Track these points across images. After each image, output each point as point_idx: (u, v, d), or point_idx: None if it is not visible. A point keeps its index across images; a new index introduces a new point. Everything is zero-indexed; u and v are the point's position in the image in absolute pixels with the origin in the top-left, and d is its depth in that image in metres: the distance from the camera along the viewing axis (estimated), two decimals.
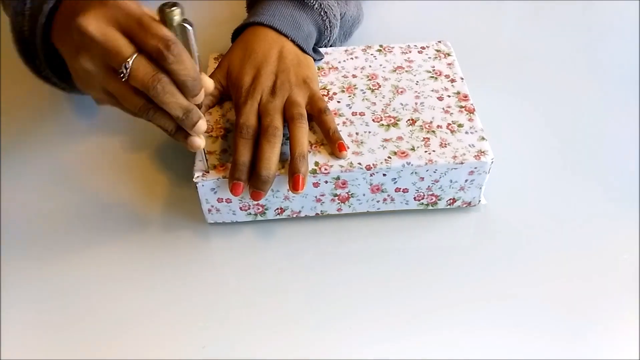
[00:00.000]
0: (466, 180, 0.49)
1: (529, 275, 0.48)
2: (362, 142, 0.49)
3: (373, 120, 0.51)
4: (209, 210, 0.49)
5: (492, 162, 0.48)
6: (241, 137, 0.47)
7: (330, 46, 0.60)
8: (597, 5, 0.76)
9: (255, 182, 0.46)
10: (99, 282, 0.48)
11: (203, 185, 0.47)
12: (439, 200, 0.51)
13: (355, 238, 0.51)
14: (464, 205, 0.52)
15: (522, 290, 0.47)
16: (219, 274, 0.49)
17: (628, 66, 0.67)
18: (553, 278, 0.48)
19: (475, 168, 0.48)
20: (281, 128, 0.48)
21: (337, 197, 0.49)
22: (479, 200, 0.51)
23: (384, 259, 0.49)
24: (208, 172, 0.47)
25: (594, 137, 0.59)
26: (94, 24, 0.39)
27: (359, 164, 0.47)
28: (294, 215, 0.51)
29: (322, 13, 0.56)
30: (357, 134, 0.50)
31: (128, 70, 0.40)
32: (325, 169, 0.47)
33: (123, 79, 0.40)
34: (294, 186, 0.46)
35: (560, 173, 0.55)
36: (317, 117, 0.50)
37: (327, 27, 0.57)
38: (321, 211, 0.51)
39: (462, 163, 0.47)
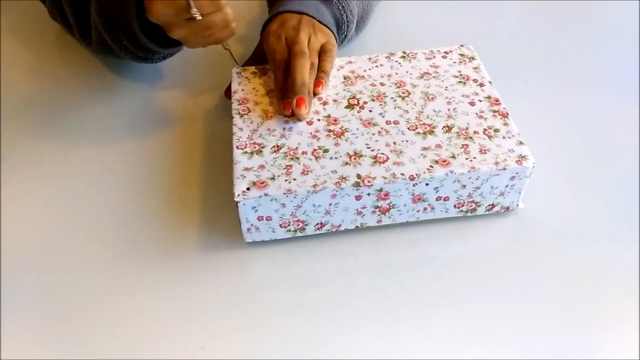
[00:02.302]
0: (507, 186, 0.49)
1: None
2: (401, 152, 0.48)
3: (408, 128, 0.50)
4: (248, 230, 0.48)
5: (533, 167, 0.48)
6: (297, 58, 0.53)
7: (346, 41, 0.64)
8: (604, 6, 0.77)
9: (293, 90, 0.51)
10: (104, 285, 0.47)
11: (244, 204, 0.46)
12: (479, 206, 0.50)
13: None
14: (502, 210, 0.51)
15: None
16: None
17: (622, 68, 0.67)
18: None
19: (517, 173, 0.48)
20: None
21: (378, 209, 0.48)
22: (517, 205, 0.51)
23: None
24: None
25: (586, 141, 0.59)
26: None
27: (402, 174, 0.47)
28: (334, 230, 0.50)
29: (340, 7, 0.61)
30: (394, 143, 0.49)
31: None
32: (369, 181, 0.46)
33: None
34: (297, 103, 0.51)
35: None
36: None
37: (344, 21, 0.61)
38: (361, 224, 0.50)
39: (504, 169, 0.47)
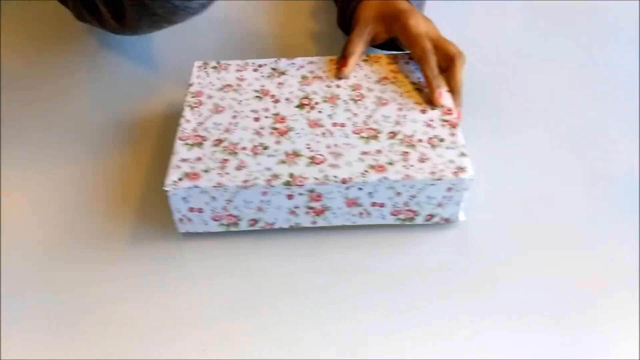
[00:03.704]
0: (444, 197, 0.48)
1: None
2: (339, 155, 0.48)
3: (353, 132, 0.50)
4: (181, 220, 0.49)
5: (471, 180, 0.47)
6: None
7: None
8: (595, 6, 0.76)
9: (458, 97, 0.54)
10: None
11: (174, 194, 0.46)
12: (417, 215, 0.49)
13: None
14: (442, 222, 0.50)
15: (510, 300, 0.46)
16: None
17: (622, 68, 0.66)
18: (540, 289, 0.47)
19: (454, 185, 0.47)
20: None
21: (311, 210, 0.48)
22: (458, 217, 0.50)
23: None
24: None
25: (586, 141, 0.58)
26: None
27: (335, 176, 0.46)
28: (267, 227, 0.50)
29: None
30: (335, 145, 0.49)
31: None
32: (300, 181, 0.46)
33: None
34: None
35: (552, 181, 0.55)
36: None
37: None
38: (295, 223, 0.50)
39: (440, 179, 0.46)
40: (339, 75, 0.55)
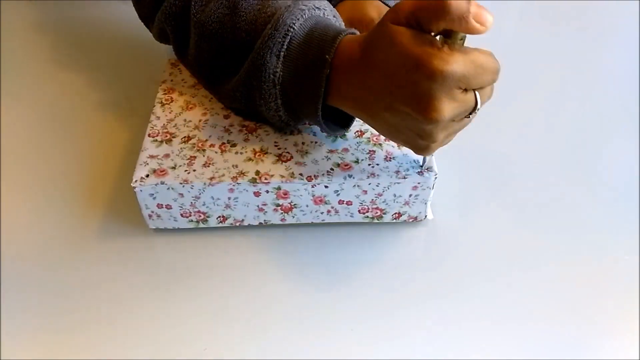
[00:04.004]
0: (410, 195, 0.48)
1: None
2: (306, 153, 0.48)
3: (322, 130, 0.50)
4: (150, 216, 0.49)
5: (435, 178, 0.47)
6: None
7: None
8: (595, 6, 0.77)
9: None
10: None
11: (141, 191, 0.47)
12: (384, 214, 0.50)
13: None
14: (411, 220, 0.51)
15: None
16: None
17: (622, 68, 0.67)
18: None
19: (419, 183, 0.47)
20: None
21: (279, 207, 0.49)
22: (425, 215, 0.50)
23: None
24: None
25: (586, 141, 0.59)
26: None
27: (300, 174, 0.47)
28: (237, 224, 0.50)
29: None
30: (303, 143, 0.49)
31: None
32: (266, 179, 0.46)
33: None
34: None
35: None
36: None
37: None
38: (264, 220, 0.50)
39: (404, 178, 0.47)
40: None
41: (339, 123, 0.47)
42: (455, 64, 0.36)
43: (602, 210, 0.53)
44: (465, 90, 0.38)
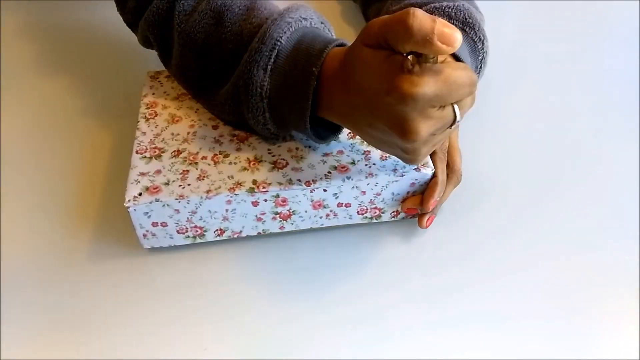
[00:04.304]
0: (408, 192, 0.48)
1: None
2: (302, 158, 0.48)
3: (312, 140, 0.50)
4: (144, 236, 0.47)
5: (433, 174, 0.47)
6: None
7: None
8: (595, 6, 0.77)
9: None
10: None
11: (135, 210, 0.45)
12: (383, 213, 0.50)
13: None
14: (409, 217, 0.51)
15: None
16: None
17: (622, 68, 0.67)
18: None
19: (417, 179, 0.47)
20: None
21: (278, 215, 0.48)
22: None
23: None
24: None
25: (585, 141, 0.59)
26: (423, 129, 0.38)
27: (298, 180, 0.46)
28: (235, 236, 0.49)
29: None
30: (297, 149, 0.49)
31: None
32: (264, 187, 0.46)
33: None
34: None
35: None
36: None
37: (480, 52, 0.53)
38: (263, 230, 0.49)
39: (402, 176, 0.47)
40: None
41: (329, 129, 0.47)
42: (426, 85, 0.36)
43: (602, 210, 0.53)
44: (442, 106, 0.38)
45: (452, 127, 0.40)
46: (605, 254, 0.50)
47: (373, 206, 0.49)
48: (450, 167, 0.50)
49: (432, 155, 0.48)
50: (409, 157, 0.42)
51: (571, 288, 0.47)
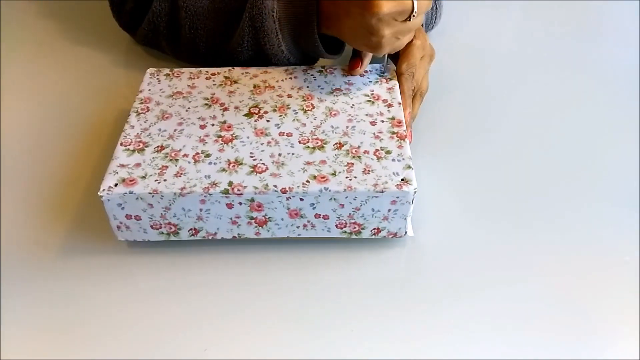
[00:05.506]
0: (389, 210, 0.46)
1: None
2: (282, 164, 0.47)
3: (299, 141, 0.49)
4: (118, 227, 0.47)
5: (415, 192, 0.45)
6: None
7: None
8: (595, 6, 0.77)
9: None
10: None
11: (109, 200, 0.45)
12: (363, 229, 0.48)
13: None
14: (390, 236, 0.49)
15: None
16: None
17: (622, 68, 0.67)
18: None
19: (397, 197, 0.45)
20: None
21: (254, 220, 0.47)
22: (405, 232, 0.49)
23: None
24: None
25: (585, 141, 0.58)
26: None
27: (275, 186, 0.45)
28: (210, 237, 0.48)
29: None
30: (279, 155, 0.48)
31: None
32: (239, 190, 0.45)
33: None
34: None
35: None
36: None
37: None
38: (238, 234, 0.48)
39: (382, 191, 0.45)
40: (352, 74, 0.56)
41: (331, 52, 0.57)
42: None
43: (602, 210, 0.52)
44: None
45: (411, 19, 0.49)
46: (605, 254, 0.49)
47: (352, 221, 0.47)
48: (416, 88, 0.57)
49: (399, 77, 0.56)
50: (375, 39, 0.50)
51: (571, 288, 0.46)
